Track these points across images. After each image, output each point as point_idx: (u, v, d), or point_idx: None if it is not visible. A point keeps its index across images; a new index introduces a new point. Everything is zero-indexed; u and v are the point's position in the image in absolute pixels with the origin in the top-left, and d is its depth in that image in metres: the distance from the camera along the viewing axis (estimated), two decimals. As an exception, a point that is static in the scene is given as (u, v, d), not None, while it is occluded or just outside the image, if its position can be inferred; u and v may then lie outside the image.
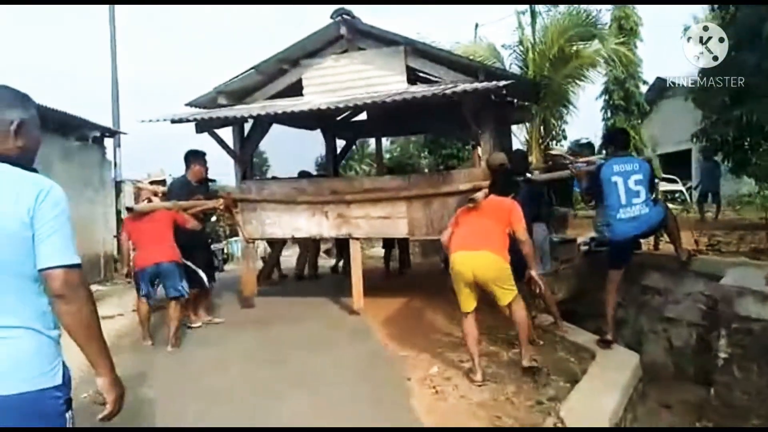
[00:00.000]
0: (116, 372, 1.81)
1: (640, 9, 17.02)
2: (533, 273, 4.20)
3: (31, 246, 1.65)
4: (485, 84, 5.45)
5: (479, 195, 4.48)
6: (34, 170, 1.78)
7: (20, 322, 1.65)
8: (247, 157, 7.48)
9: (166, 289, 5.56)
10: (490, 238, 4.18)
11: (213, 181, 7.83)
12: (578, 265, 6.91)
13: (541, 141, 11.45)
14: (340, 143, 10.05)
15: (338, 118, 9.41)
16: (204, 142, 7.08)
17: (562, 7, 11.81)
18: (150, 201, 6.25)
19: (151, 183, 6.25)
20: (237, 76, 6.91)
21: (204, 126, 6.67)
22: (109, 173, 11.75)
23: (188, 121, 6.50)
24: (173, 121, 6.55)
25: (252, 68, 6.82)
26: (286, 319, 6.47)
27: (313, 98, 6.73)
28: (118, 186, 12.02)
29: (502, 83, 5.30)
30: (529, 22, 12.22)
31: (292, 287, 8.72)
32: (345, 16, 6.28)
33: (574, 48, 11.35)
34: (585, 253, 6.80)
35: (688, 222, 7.93)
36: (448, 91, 5.36)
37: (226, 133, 7.30)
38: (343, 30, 6.43)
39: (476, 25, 17.23)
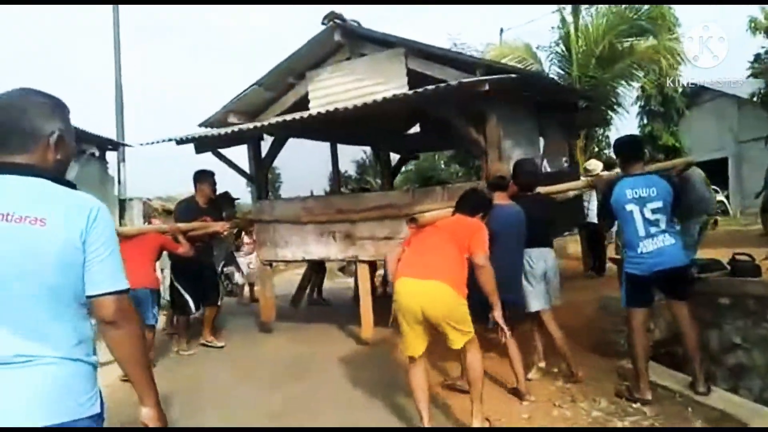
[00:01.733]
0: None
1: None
2: (494, 314, 3.41)
3: (81, 270, 1.58)
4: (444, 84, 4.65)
5: (428, 214, 3.78)
6: (71, 184, 1.66)
7: (64, 349, 1.55)
8: (263, 176, 7.21)
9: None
10: (444, 265, 3.42)
11: (236, 199, 7.69)
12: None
13: (584, 149, 10.19)
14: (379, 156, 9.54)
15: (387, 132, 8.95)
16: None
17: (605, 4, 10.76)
18: (150, 222, 6.17)
19: (165, 211, 6.21)
20: (243, 92, 6.67)
21: (204, 146, 6.46)
22: (112, 190, 10.39)
23: (188, 141, 6.32)
24: (178, 143, 6.43)
25: (255, 83, 6.55)
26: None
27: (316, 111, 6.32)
28: (122, 204, 10.68)
29: (471, 79, 4.51)
30: (571, 21, 11.11)
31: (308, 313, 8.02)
32: (337, 21, 5.81)
33: (627, 44, 10.14)
34: None
35: (742, 236, 6.62)
36: (405, 94, 4.67)
37: (241, 152, 7.11)
38: (337, 36, 5.97)
39: (501, 30, 16.35)
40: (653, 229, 3.87)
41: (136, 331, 1.69)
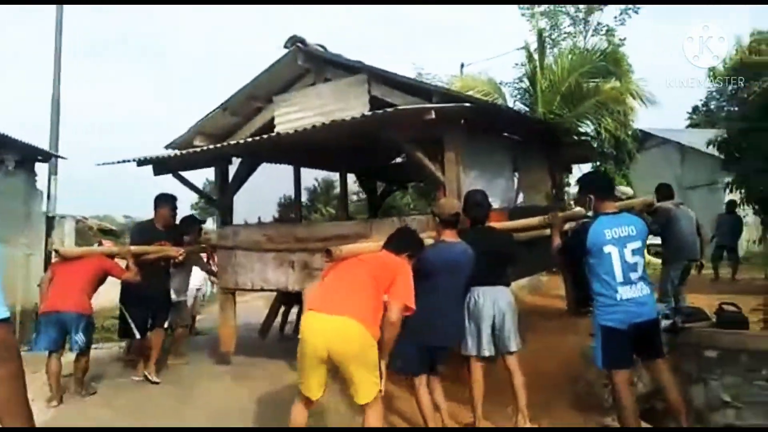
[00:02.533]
0: None
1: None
2: (382, 365, 3.14)
3: None
4: (405, 107, 4.42)
5: (349, 247, 3.51)
6: None
7: None
8: (228, 200, 7.00)
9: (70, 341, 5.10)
10: (358, 301, 3.13)
11: (202, 222, 7.48)
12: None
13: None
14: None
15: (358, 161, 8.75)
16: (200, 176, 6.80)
17: (578, 39, 10.95)
18: (100, 244, 5.98)
19: (101, 231, 6.01)
20: (208, 115, 6.53)
21: (164, 168, 6.29)
22: (38, 205, 9.34)
23: (148, 162, 6.16)
24: (139, 164, 6.26)
25: (219, 107, 6.40)
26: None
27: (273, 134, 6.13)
28: (50, 222, 9.64)
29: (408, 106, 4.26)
30: (536, 57, 11.21)
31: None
32: (299, 45, 5.65)
33: (592, 84, 10.13)
34: (667, 330, 4.77)
35: (694, 281, 6.34)
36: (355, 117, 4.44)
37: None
38: (300, 60, 5.81)
39: (462, 65, 16.37)
40: (633, 275, 3.53)
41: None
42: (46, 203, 9.66)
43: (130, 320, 5.76)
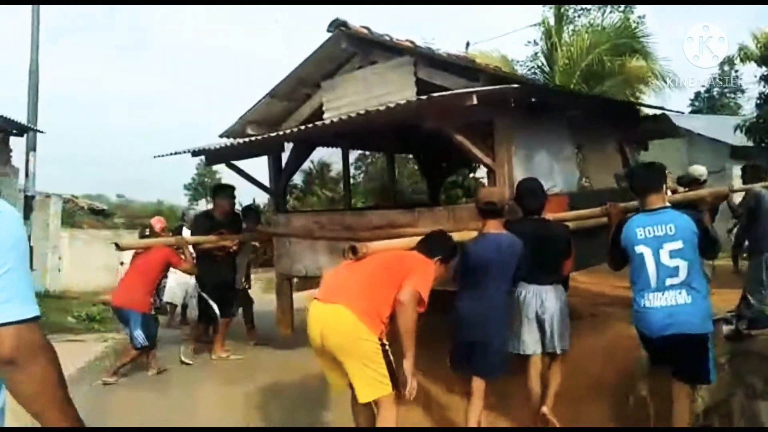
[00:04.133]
0: None
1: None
2: (406, 365, 2.90)
3: None
4: (443, 93, 4.15)
5: (377, 244, 3.36)
6: None
7: None
8: (282, 188, 7.01)
9: None
10: (359, 290, 2.99)
11: (261, 212, 7.57)
12: (717, 358, 4.15)
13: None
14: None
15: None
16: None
17: (595, 15, 10.05)
18: (152, 231, 6.15)
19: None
20: (257, 103, 6.51)
21: (216, 158, 6.34)
22: (13, 183, 8.65)
23: (202, 153, 6.23)
24: (194, 154, 6.35)
25: (268, 94, 6.36)
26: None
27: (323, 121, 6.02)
28: (29, 202, 8.86)
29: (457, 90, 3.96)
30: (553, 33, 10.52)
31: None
32: (342, 28, 5.47)
33: (618, 62, 9.24)
34: (730, 337, 4.39)
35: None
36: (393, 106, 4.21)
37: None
38: (344, 44, 5.63)
39: (467, 44, 15.42)
40: (669, 281, 3.16)
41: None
42: (25, 181, 8.91)
43: (213, 303, 5.98)
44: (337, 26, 5.46)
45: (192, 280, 7.21)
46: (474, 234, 3.82)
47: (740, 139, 8.62)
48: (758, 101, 8.45)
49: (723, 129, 11.89)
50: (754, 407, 4.03)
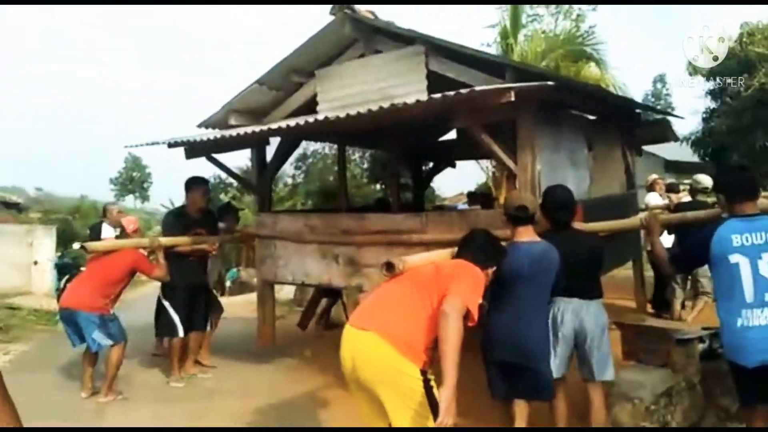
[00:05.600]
0: None
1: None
2: (443, 388, 2.29)
3: None
4: (480, 88, 3.66)
5: (415, 258, 2.88)
6: None
7: None
8: (267, 184, 6.44)
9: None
10: (395, 317, 2.51)
11: (240, 210, 6.96)
12: (690, 378, 4.02)
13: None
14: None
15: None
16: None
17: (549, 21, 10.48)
18: (123, 232, 5.48)
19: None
20: (244, 91, 5.90)
21: (196, 151, 5.71)
22: None
23: (180, 145, 5.57)
24: (170, 146, 5.69)
25: (256, 81, 5.76)
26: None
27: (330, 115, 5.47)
28: None
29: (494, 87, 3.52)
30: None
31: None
32: (347, 11, 4.94)
33: (573, 68, 9.22)
34: (704, 356, 4.15)
35: None
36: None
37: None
38: (348, 29, 5.10)
39: None
40: None
41: None
42: None
43: (174, 315, 5.28)
44: (342, 8, 4.91)
45: None
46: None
47: (675, 154, 8.56)
48: (704, 115, 8.33)
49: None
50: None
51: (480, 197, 9.46)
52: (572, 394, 3.56)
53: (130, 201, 54.83)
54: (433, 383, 2.47)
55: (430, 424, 2.37)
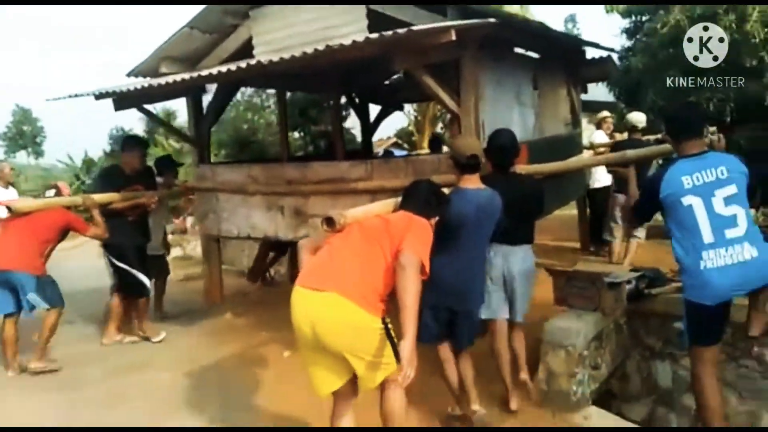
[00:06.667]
0: None
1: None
2: (403, 343, 2.30)
3: None
4: (421, 27, 3.50)
5: (355, 211, 2.82)
6: None
7: None
8: (205, 135, 6.15)
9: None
10: (353, 273, 2.49)
11: (179, 165, 6.66)
12: (618, 320, 4.08)
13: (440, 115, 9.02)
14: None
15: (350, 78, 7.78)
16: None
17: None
18: (58, 191, 5.20)
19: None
20: (173, 36, 5.52)
21: (126, 102, 5.36)
22: None
23: (108, 96, 5.20)
24: (97, 97, 5.30)
25: (186, 25, 5.39)
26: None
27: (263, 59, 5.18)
28: None
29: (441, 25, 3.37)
30: None
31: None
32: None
33: (494, 6, 9.23)
34: (631, 297, 4.13)
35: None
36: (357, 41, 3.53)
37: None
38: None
39: None
40: (728, 233, 2.71)
41: None
42: None
43: (137, 274, 5.18)
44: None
45: None
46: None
47: (590, 94, 8.54)
48: (620, 54, 8.33)
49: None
50: (650, 367, 4.07)
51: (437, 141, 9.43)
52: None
53: (22, 157, 47.71)
54: (390, 326, 2.52)
55: (394, 368, 2.46)
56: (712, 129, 3.47)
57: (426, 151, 10.72)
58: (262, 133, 13.32)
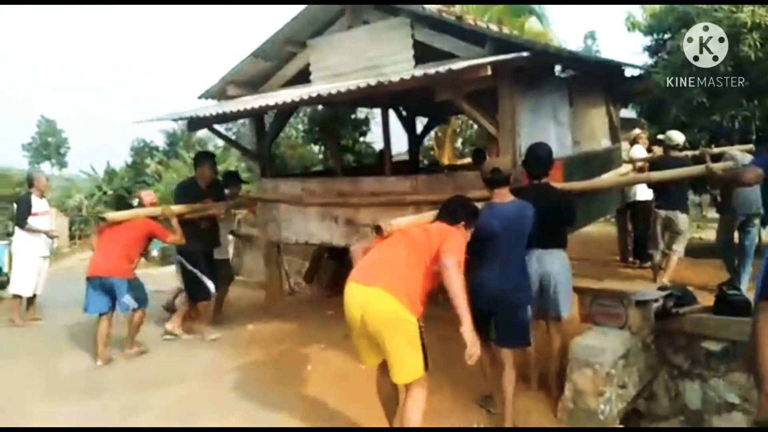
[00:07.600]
0: None
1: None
2: (463, 328, 2.87)
3: None
4: (459, 64, 3.97)
5: (400, 221, 3.34)
6: None
7: None
8: (266, 151, 6.77)
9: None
10: (395, 273, 3.03)
11: (245, 182, 7.36)
12: (645, 338, 4.09)
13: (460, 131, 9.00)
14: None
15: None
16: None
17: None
18: (141, 204, 5.93)
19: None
20: (240, 63, 6.16)
21: (198, 124, 6.04)
22: None
23: (184, 119, 5.91)
24: (174, 121, 6.03)
25: (252, 54, 6.02)
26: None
27: (318, 86, 5.74)
28: None
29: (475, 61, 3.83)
30: None
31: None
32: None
33: (517, 23, 9.19)
34: (658, 316, 4.09)
35: None
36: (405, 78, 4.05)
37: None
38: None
39: None
40: None
41: None
42: None
43: (203, 278, 5.78)
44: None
45: (45, 264, 7.00)
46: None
47: None
48: (642, 71, 8.43)
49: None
50: (678, 386, 4.11)
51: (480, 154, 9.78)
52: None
53: (46, 168, 48.57)
54: (423, 332, 3.02)
55: (420, 369, 2.96)
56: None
57: (463, 162, 11.07)
58: (283, 147, 13.67)
